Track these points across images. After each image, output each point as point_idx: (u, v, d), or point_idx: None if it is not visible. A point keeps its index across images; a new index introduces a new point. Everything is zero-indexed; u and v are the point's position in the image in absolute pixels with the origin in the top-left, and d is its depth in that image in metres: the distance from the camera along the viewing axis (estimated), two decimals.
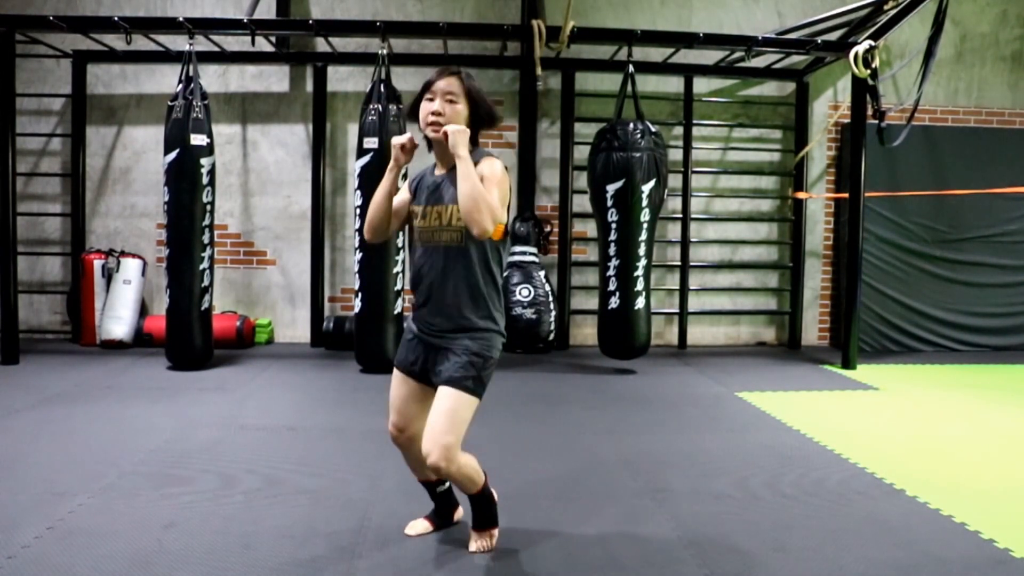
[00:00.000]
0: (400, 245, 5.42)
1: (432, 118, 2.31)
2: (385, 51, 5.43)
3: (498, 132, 6.58)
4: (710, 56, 6.64)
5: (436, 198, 2.37)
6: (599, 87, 6.78)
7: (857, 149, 6.04)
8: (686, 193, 6.80)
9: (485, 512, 2.49)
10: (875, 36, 5.87)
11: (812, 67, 6.75)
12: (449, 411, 2.27)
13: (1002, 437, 4.07)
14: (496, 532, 2.53)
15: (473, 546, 2.49)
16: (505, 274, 2.49)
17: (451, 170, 2.33)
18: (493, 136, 6.54)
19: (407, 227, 2.52)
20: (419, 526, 2.65)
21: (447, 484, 2.63)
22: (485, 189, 2.21)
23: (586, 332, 6.80)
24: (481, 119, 2.38)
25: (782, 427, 4.17)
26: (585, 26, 5.87)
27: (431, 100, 2.33)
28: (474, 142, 2.36)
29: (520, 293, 6.10)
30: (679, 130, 6.84)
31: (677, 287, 6.88)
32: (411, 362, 2.45)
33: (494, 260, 2.38)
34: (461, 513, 2.71)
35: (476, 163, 2.28)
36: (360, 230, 5.34)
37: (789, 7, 6.89)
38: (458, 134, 2.25)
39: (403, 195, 2.48)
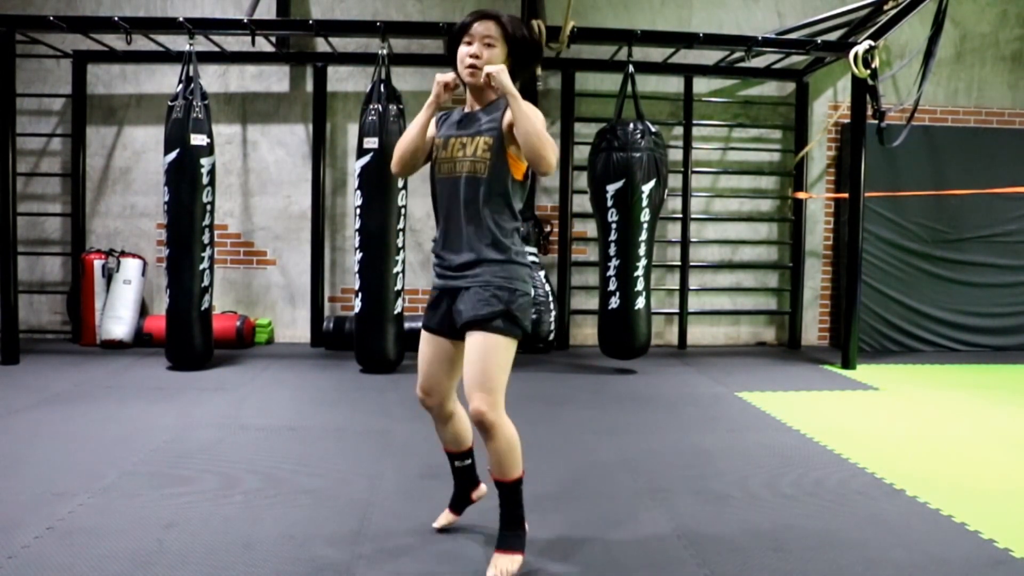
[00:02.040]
0: (400, 245, 5.42)
1: (470, 60, 2.25)
2: (385, 51, 5.44)
3: None
4: (710, 56, 6.65)
5: (462, 130, 2.32)
6: (599, 87, 6.78)
7: (857, 149, 6.04)
8: (686, 193, 6.80)
9: (513, 513, 2.30)
10: (875, 36, 5.87)
11: (812, 67, 6.75)
12: (480, 358, 2.17)
13: (1002, 437, 4.07)
14: (521, 560, 2.30)
15: (492, 571, 2.25)
16: None
17: (484, 107, 2.32)
18: None
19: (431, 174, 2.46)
20: (444, 518, 2.63)
21: (468, 459, 2.59)
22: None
23: (586, 332, 6.80)
24: (524, 62, 2.32)
25: (782, 427, 4.17)
26: (585, 26, 5.87)
27: (468, 44, 2.27)
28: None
29: None
30: (679, 130, 6.84)
31: (677, 287, 6.89)
32: (436, 317, 2.35)
33: (514, 197, 2.30)
34: (483, 490, 2.66)
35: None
36: (360, 230, 5.34)
37: (789, 7, 6.89)
38: (501, 73, 2.18)
39: (430, 131, 2.42)
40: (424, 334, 2.41)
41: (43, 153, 6.63)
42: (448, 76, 2.32)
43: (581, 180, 6.14)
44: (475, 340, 2.20)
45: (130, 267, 6.28)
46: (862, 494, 3.11)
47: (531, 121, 2.15)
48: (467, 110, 2.38)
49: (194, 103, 5.24)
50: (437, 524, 2.63)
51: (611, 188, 5.32)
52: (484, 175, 2.25)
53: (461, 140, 2.30)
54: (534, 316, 6.07)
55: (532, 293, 2.32)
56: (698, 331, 7.05)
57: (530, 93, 6.53)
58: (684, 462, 3.51)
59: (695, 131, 6.83)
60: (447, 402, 2.46)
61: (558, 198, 6.71)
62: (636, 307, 5.42)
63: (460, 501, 2.65)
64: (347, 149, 6.62)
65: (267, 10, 6.40)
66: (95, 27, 5.66)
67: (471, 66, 2.25)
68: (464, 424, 2.54)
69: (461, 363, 2.28)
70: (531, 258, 6.36)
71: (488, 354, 2.18)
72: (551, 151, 2.15)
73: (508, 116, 2.24)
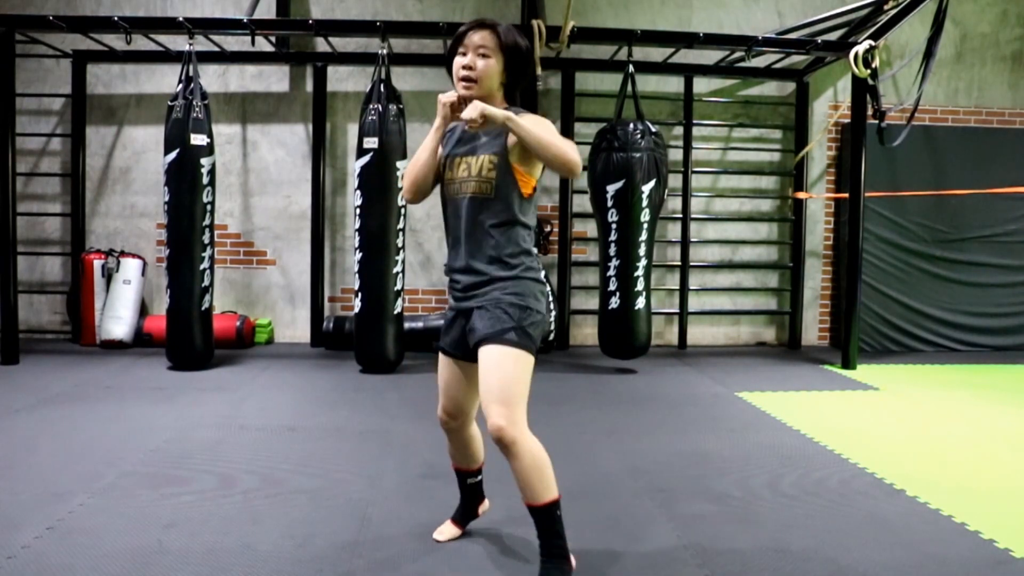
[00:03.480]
0: (400, 245, 5.42)
1: (464, 72, 2.19)
2: (385, 51, 5.43)
3: None
4: (710, 56, 6.65)
5: (467, 150, 2.27)
6: (599, 87, 6.78)
7: (857, 149, 6.04)
8: (686, 193, 6.80)
9: (551, 541, 2.13)
10: (875, 36, 5.87)
11: (812, 67, 6.75)
12: (494, 370, 2.09)
13: (1002, 437, 4.07)
14: None
15: None
16: None
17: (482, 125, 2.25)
18: None
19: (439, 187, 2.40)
20: (447, 531, 2.60)
21: (479, 476, 2.58)
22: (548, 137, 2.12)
23: (586, 332, 6.80)
24: (519, 74, 2.26)
25: (782, 427, 4.17)
26: (585, 26, 5.87)
27: (463, 54, 2.21)
28: (511, 99, 2.27)
29: None
30: (679, 130, 6.84)
31: (677, 287, 6.88)
32: (451, 339, 2.32)
33: (523, 213, 2.25)
34: (487, 506, 2.67)
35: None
36: (360, 230, 5.34)
37: (789, 7, 6.89)
38: (485, 110, 2.05)
39: (439, 150, 2.38)
40: (441, 357, 2.39)
41: (43, 153, 6.62)
42: (451, 96, 2.25)
43: (581, 180, 6.13)
44: (488, 352, 2.13)
45: (130, 267, 6.28)
46: (862, 494, 3.11)
47: (537, 135, 2.08)
48: (468, 126, 2.35)
49: (194, 103, 5.24)
50: (440, 537, 2.59)
51: (611, 188, 5.32)
52: (490, 194, 2.21)
53: (466, 160, 2.25)
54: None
55: (545, 312, 2.27)
56: (698, 331, 7.05)
57: (530, 94, 6.54)
58: (684, 462, 3.51)
59: (695, 131, 6.83)
60: (469, 423, 2.45)
61: (558, 198, 6.71)
62: (636, 307, 5.42)
63: (466, 516, 2.63)
64: (347, 149, 6.62)
65: (267, 10, 6.40)
66: (95, 27, 5.66)
67: (465, 78, 2.20)
68: (480, 443, 2.54)
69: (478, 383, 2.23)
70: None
71: (503, 366, 2.11)
72: (571, 152, 2.08)
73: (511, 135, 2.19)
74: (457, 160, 2.28)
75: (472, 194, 2.22)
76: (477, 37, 2.20)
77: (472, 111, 2.06)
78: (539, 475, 2.10)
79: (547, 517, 2.13)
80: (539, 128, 2.11)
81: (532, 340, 2.20)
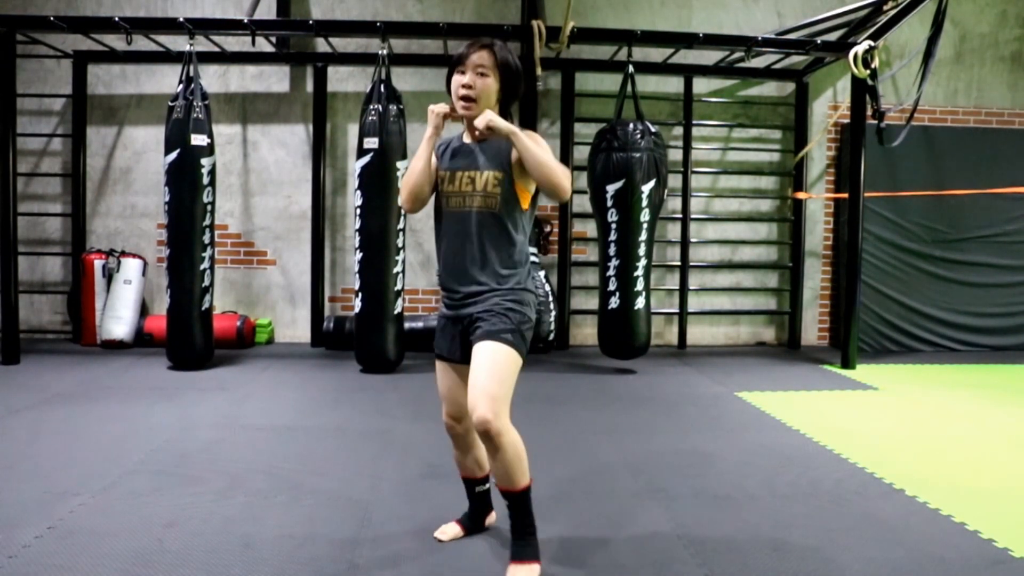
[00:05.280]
0: (400, 245, 5.43)
1: (463, 91, 2.26)
2: (385, 51, 5.44)
3: None
4: (710, 56, 6.65)
5: (469, 164, 2.32)
6: (599, 87, 6.79)
7: (857, 149, 6.05)
8: (686, 193, 6.80)
9: (524, 522, 2.31)
10: (875, 36, 5.88)
11: (812, 67, 6.76)
12: (488, 363, 2.18)
13: (1002, 437, 4.07)
14: (539, 568, 2.29)
15: None
16: None
17: (483, 142, 2.32)
18: None
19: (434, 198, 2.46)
20: (450, 531, 2.61)
21: (487, 484, 2.60)
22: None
23: (586, 332, 6.81)
24: (513, 92, 2.34)
25: (782, 427, 4.18)
26: (585, 26, 5.88)
27: (462, 73, 2.28)
28: (505, 113, 2.32)
29: None
30: (679, 130, 6.84)
31: (677, 287, 6.89)
32: (446, 345, 2.39)
33: (522, 227, 2.33)
34: (494, 518, 2.69)
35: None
36: (360, 230, 5.35)
37: (789, 7, 6.90)
38: (492, 120, 2.20)
39: (432, 161, 2.43)
40: (438, 364, 2.44)
41: (44, 153, 6.63)
42: (443, 107, 2.32)
43: (581, 180, 6.14)
44: (482, 348, 2.22)
45: (130, 267, 6.29)
46: (861, 494, 3.11)
47: (537, 154, 2.19)
48: (466, 140, 2.38)
49: (194, 103, 5.24)
50: (443, 536, 2.59)
51: (611, 188, 5.32)
52: (496, 209, 2.28)
53: (469, 174, 2.31)
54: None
55: (533, 320, 2.37)
56: (698, 331, 7.05)
57: (530, 95, 6.54)
58: (684, 462, 3.51)
59: (695, 131, 6.84)
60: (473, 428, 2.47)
61: None
62: (636, 307, 5.43)
63: (473, 524, 2.65)
64: (347, 149, 6.63)
65: (267, 10, 6.40)
66: (95, 27, 5.66)
67: (464, 97, 2.27)
68: (484, 448, 2.55)
69: None
70: (532, 258, 6.37)
71: (496, 362, 2.19)
72: (563, 178, 2.20)
73: (515, 152, 2.25)
74: (459, 174, 2.33)
75: (478, 208, 2.29)
76: (476, 57, 2.27)
77: (482, 120, 2.21)
78: (519, 464, 2.25)
79: (522, 501, 2.31)
80: (538, 148, 2.21)
81: (525, 343, 2.30)
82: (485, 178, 2.28)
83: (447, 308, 2.38)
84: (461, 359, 2.36)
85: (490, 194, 2.28)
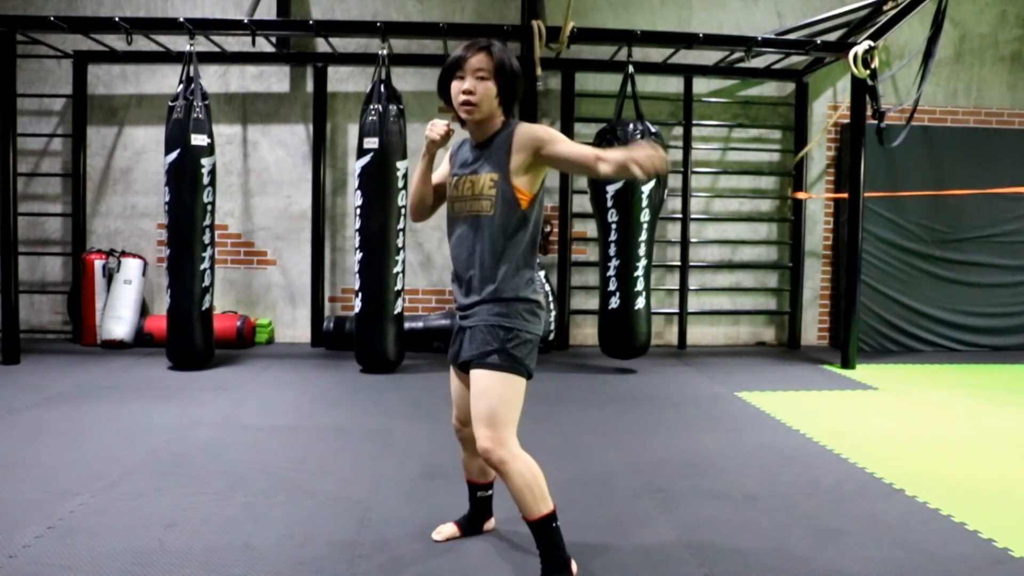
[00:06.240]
0: (400, 245, 5.43)
1: (464, 97, 2.22)
2: (385, 51, 5.44)
3: None
4: (710, 56, 6.65)
5: (470, 169, 2.29)
6: (599, 87, 6.79)
7: (856, 149, 6.05)
8: (686, 193, 6.80)
9: (550, 553, 2.19)
10: (874, 36, 5.88)
11: (812, 67, 6.76)
12: (480, 394, 2.16)
13: (1001, 437, 4.08)
14: None
15: None
16: None
17: (486, 145, 2.28)
18: None
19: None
20: (447, 531, 2.61)
21: (490, 491, 2.61)
22: (569, 149, 2.17)
23: (586, 332, 6.81)
24: (513, 93, 2.29)
25: (781, 427, 4.18)
26: (585, 26, 5.87)
27: (461, 78, 2.23)
28: (509, 113, 2.30)
29: None
30: (679, 130, 6.84)
31: (677, 287, 6.89)
32: (453, 352, 2.36)
33: (521, 230, 2.25)
34: (493, 524, 2.69)
35: (516, 134, 2.22)
36: (360, 230, 5.35)
37: (789, 7, 6.90)
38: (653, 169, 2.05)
39: (444, 167, 2.43)
40: (451, 368, 2.46)
41: (44, 153, 6.63)
42: (441, 127, 2.28)
43: (581, 180, 6.15)
44: (475, 377, 2.20)
45: (130, 267, 6.29)
46: (861, 494, 3.11)
47: (569, 160, 2.16)
48: (471, 145, 2.36)
49: (195, 103, 5.25)
50: (439, 536, 2.59)
51: (611, 188, 5.32)
52: (490, 212, 2.23)
53: (469, 179, 2.28)
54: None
55: (535, 332, 2.28)
56: (698, 331, 7.05)
57: (530, 95, 6.54)
58: (684, 462, 3.51)
59: (695, 131, 6.84)
60: None
61: (558, 198, 6.72)
62: (636, 307, 5.43)
63: (471, 527, 2.65)
64: (347, 149, 6.63)
65: (267, 10, 6.40)
66: (96, 27, 5.66)
67: (466, 102, 2.22)
68: None
69: None
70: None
71: (488, 390, 2.16)
72: (593, 163, 2.10)
73: (515, 153, 2.21)
74: (462, 180, 2.31)
75: (476, 212, 2.26)
76: (475, 60, 2.22)
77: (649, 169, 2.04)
78: (531, 492, 2.15)
79: (543, 530, 2.19)
80: (572, 155, 2.16)
81: (518, 361, 2.22)
82: (482, 181, 2.25)
83: (457, 315, 2.37)
84: (464, 368, 2.34)
85: (486, 196, 2.24)
